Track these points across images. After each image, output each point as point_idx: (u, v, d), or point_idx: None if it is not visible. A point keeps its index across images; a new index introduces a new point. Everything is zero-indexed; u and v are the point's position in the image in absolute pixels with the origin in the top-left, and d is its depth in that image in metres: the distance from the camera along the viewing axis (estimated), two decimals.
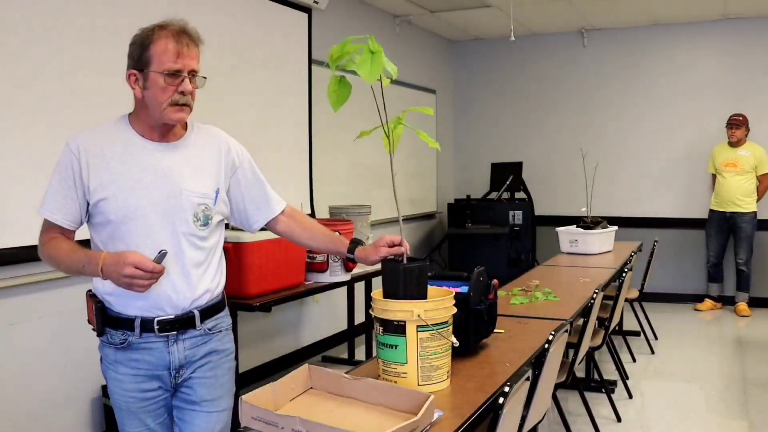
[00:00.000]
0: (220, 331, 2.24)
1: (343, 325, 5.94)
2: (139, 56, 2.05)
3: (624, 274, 4.24)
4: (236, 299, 3.71)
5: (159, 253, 1.97)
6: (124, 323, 2.09)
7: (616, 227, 5.68)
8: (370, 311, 2.19)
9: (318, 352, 5.82)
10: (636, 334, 5.87)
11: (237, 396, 2.07)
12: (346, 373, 2.06)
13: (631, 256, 5.11)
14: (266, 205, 2.43)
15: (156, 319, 2.09)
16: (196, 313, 2.15)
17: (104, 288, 2.09)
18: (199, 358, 2.18)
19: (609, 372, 4.84)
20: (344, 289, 5.53)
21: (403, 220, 2.27)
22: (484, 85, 8.49)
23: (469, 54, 8.53)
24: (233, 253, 3.62)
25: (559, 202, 8.03)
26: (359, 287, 5.45)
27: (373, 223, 5.40)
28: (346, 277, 4.30)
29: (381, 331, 2.10)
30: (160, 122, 2.10)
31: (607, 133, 7.86)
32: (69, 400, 3.65)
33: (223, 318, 2.27)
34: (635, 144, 7.75)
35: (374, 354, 2.27)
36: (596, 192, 6.60)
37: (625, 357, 5.27)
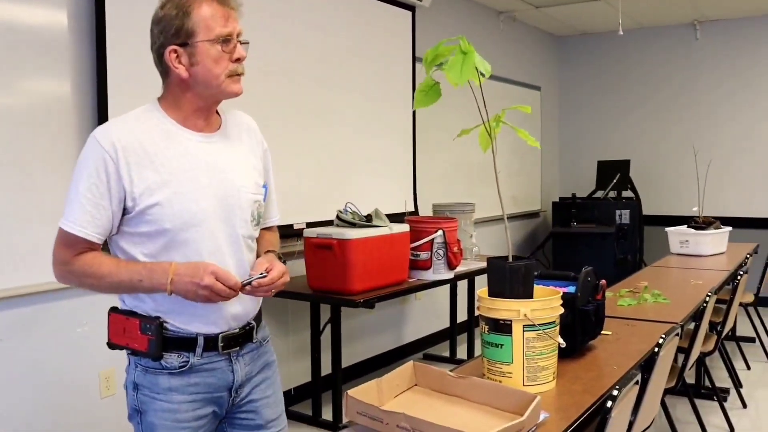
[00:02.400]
0: (267, 340, 2.04)
1: (444, 323, 5.94)
2: (179, 28, 1.74)
3: (738, 277, 4.07)
4: (340, 295, 3.77)
5: (260, 275, 1.79)
6: (185, 343, 1.81)
7: (729, 228, 5.46)
8: (477, 309, 2.18)
9: (419, 349, 5.84)
10: (751, 340, 5.63)
11: (342, 391, 2.09)
12: (450, 371, 2.06)
13: (747, 258, 4.90)
14: (271, 207, 2.11)
15: (221, 335, 1.84)
16: (254, 324, 1.95)
17: (160, 306, 1.80)
18: (256, 373, 1.96)
19: (721, 379, 4.65)
20: (447, 287, 5.54)
21: (507, 218, 2.24)
22: (590, 81, 8.30)
23: (575, 49, 8.37)
24: (338, 249, 3.68)
25: (668, 202, 7.77)
26: (462, 285, 5.44)
27: (477, 221, 5.38)
28: (450, 275, 4.30)
29: (487, 329, 2.09)
30: (217, 99, 1.85)
31: (720, 130, 7.55)
32: None
33: (265, 326, 2.05)
34: (751, 141, 7.40)
35: (476, 353, 2.27)
36: (708, 191, 6.36)
37: (738, 364, 5.06)
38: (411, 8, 5.44)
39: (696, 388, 4.43)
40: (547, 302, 2.07)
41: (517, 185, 7.48)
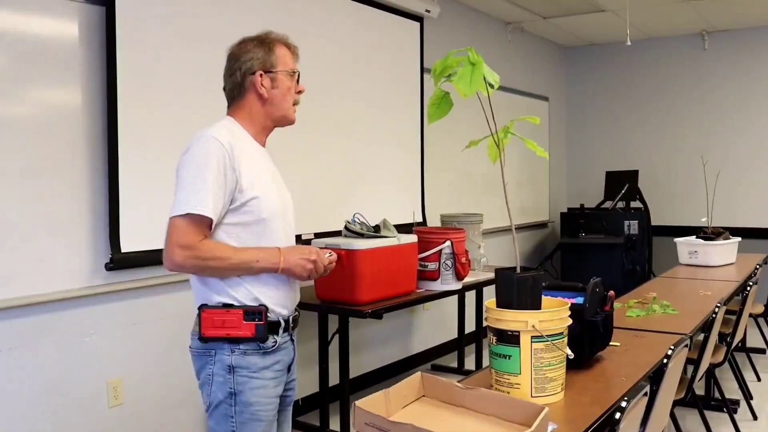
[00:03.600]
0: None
1: (452, 334, 5.93)
2: (265, 60, 2.21)
3: (748, 288, 4.06)
4: (348, 306, 3.76)
5: (329, 254, 2.24)
6: (274, 326, 2.15)
7: (739, 238, 5.44)
8: (484, 320, 2.17)
9: (427, 360, 5.83)
10: (761, 351, 5.60)
11: (350, 401, 2.11)
12: (458, 382, 2.05)
13: (756, 269, 4.88)
14: None
15: (291, 317, 2.23)
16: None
17: (259, 290, 2.12)
18: (295, 354, 2.31)
19: (731, 391, 4.63)
20: (455, 298, 5.53)
21: (515, 228, 2.25)
22: (598, 92, 8.30)
23: (583, 60, 8.37)
24: (346, 260, 3.68)
25: (676, 212, 7.75)
26: (470, 296, 5.44)
27: (485, 231, 5.38)
28: (458, 285, 4.29)
29: (494, 340, 2.09)
30: (281, 122, 2.28)
31: (729, 140, 7.53)
32: (186, 400, 3.79)
33: None
34: (760, 151, 7.38)
35: (484, 364, 2.28)
36: (717, 201, 6.34)
37: (748, 375, 5.03)
38: (419, 19, 5.46)
39: (706, 400, 4.40)
40: (555, 313, 2.07)
41: (525, 196, 7.48)
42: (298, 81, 2.28)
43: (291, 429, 2.41)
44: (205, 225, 2.03)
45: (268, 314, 2.12)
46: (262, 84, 2.20)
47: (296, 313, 2.27)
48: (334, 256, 2.29)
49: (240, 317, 2.09)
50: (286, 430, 2.36)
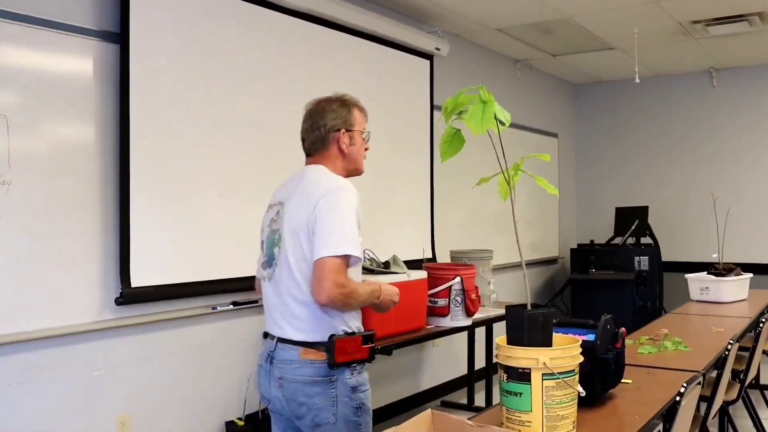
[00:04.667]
0: None
1: (462, 371, 5.89)
2: (347, 117, 2.56)
3: (761, 324, 4.02)
4: None
5: None
6: None
7: (750, 274, 5.40)
8: (495, 357, 2.17)
9: (437, 396, 5.79)
10: None
11: None
12: (469, 419, 2.04)
13: None
14: None
15: None
16: None
17: (359, 319, 2.51)
18: None
19: (745, 429, 4.56)
20: (464, 334, 5.50)
21: (525, 264, 2.25)
22: (607, 128, 8.33)
23: (592, 97, 8.42)
24: None
25: (687, 248, 7.72)
26: (480, 332, 5.41)
27: (495, 267, 5.36)
28: (468, 322, 4.28)
29: (505, 378, 2.08)
30: (353, 174, 2.61)
31: (739, 176, 7.52)
32: None
33: None
34: None
35: (495, 400, 2.26)
36: (728, 237, 6.31)
37: (763, 413, 4.96)
38: (429, 57, 5.51)
39: None
40: (566, 350, 2.06)
41: (535, 232, 7.47)
42: (367, 140, 2.64)
43: None
44: (358, 264, 2.44)
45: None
46: (343, 140, 2.53)
47: None
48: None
49: (359, 342, 2.44)
50: None
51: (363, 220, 2.43)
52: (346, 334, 2.42)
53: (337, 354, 2.37)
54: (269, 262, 2.51)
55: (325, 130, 2.53)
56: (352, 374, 2.44)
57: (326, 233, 2.32)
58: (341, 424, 2.42)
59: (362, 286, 2.44)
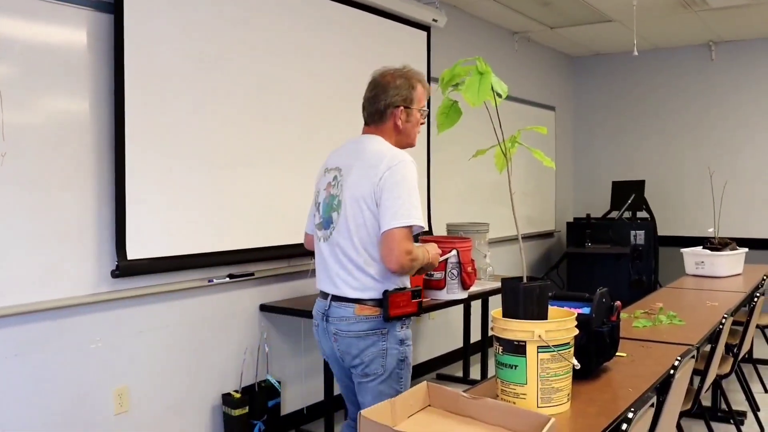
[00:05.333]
0: None
1: (458, 343, 5.92)
2: (407, 96, 2.68)
3: (755, 299, 4.04)
4: None
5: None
6: None
7: (746, 249, 5.41)
8: (490, 330, 2.17)
9: (433, 369, 5.82)
10: None
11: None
12: (464, 391, 2.05)
13: (763, 279, 4.86)
14: None
15: None
16: None
17: (406, 281, 2.69)
18: None
19: (738, 402, 4.60)
20: (460, 307, 5.52)
21: (521, 238, 2.25)
22: (605, 102, 8.31)
23: (590, 70, 8.38)
24: None
25: (683, 223, 7.74)
26: (476, 305, 5.43)
27: (491, 240, 5.37)
28: (464, 295, 4.28)
29: (501, 350, 2.08)
30: (406, 147, 2.73)
31: (736, 151, 7.51)
32: (191, 407, 3.80)
33: None
34: (767, 161, 7.38)
35: (490, 373, 2.29)
36: (724, 212, 6.32)
37: (755, 387, 5.01)
38: (426, 29, 5.46)
39: (712, 411, 4.38)
40: (561, 324, 2.06)
41: (531, 205, 7.47)
42: (424, 116, 2.75)
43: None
44: (419, 232, 2.60)
45: None
46: (400, 117, 2.67)
47: None
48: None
49: (409, 297, 2.63)
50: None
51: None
52: (397, 289, 2.62)
53: (391, 308, 2.59)
54: (326, 224, 2.70)
55: (385, 105, 2.67)
56: (402, 327, 2.66)
57: (395, 206, 2.51)
58: (386, 375, 2.65)
59: (421, 250, 2.62)
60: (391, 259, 2.51)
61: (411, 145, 2.78)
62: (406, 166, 2.57)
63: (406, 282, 2.70)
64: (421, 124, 2.77)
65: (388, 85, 2.68)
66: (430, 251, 2.71)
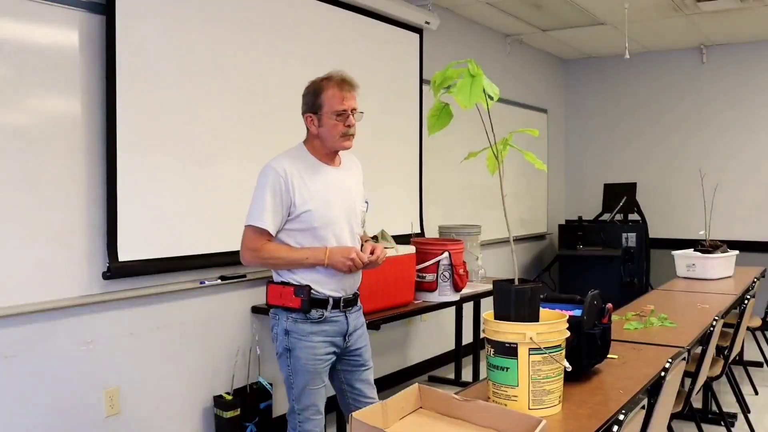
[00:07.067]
0: (361, 308, 3.00)
1: (450, 345, 5.92)
2: (313, 102, 2.77)
3: (746, 301, 4.05)
4: None
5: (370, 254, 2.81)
6: (322, 303, 2.78)
7: (736, 251, 5.44)
8: (482, 332, 2.18)
9: (424, 371, 5.82)
10: (758, 365, 5.59)
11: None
12: (456, 393, 2.05)
13: (754, 282, 4.87)
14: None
15: (342, 298, 2.83)
16: (357, 293, 2.94)
17: (311, 276, 2.76)
18: (358, 327, 2.94)
19: (729, 404, 4.62)
20: (452, 309, 5.52)
21: (513, 240, 2.25)
22: (596, 104, 8.33)
23: (582, 72, 8.40)
24: None
25: (674, 225, 7.76)
26: (468, 307, 5.43)
27: (483, 243, 5.38)
28: (455, 297, 4.29)
29: (492, 352, 2.09)
30: (333, 150, 2.82)
31: (727, 154, 7.54)
32: (182, 410, 3.79)
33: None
34: (758, 164, 7.39)
35: (482, 375, 2.30)
36: (715, 215, 6.35)
37: (746, 389, 5.02)
38: (419, 31, 5.47)
39: (703, 413, 4.39)
40: (553, 326, 2.07)
41: (523, 207, 7.48)
42: (348, 116, 2.76)
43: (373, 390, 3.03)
44: (265, 233, 2.69)
45: (314, 293, 2.75)
46: (312, 124, 2.79)
47: (350, 295, 2.87)
48: (378, 252, 2.83)
49: (291, 293, 2.76)
50: (365, 389, 2.99)
51: (302, 192, 2.72)
52: (281, 283, 2.82)
53: (269, 297, 2.85)
54: None
55: (302, 114, 2.83)
56: (287, 319, 2.81)
57: (249, 207, 2.75)
58: (279, 357, 2.89)
59: (286, 251, 2.74)
60: (240, 253, 2.77)
61: (335, 148, 2.83)
62: (263, 172, 2.74)
63: (299, 278, 2.78)
64: (348, 126, 2.78)
65: (303, 95, 2.83)
66: (330, 255, 2.74)
